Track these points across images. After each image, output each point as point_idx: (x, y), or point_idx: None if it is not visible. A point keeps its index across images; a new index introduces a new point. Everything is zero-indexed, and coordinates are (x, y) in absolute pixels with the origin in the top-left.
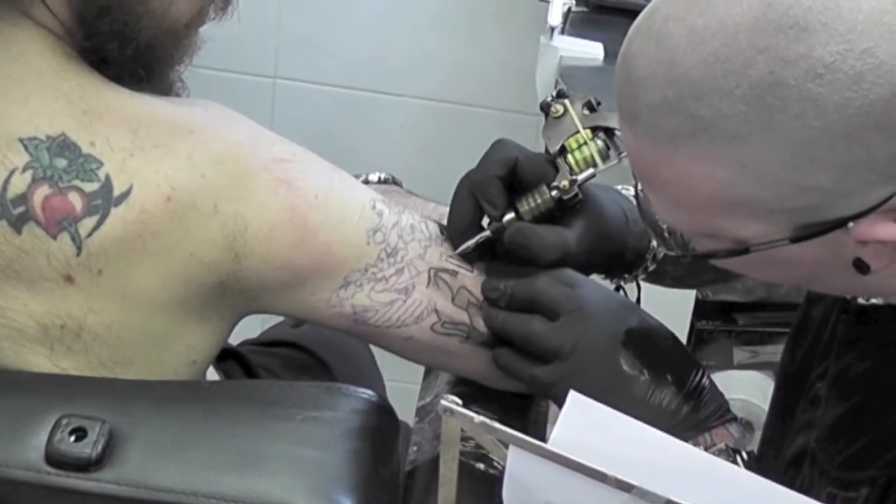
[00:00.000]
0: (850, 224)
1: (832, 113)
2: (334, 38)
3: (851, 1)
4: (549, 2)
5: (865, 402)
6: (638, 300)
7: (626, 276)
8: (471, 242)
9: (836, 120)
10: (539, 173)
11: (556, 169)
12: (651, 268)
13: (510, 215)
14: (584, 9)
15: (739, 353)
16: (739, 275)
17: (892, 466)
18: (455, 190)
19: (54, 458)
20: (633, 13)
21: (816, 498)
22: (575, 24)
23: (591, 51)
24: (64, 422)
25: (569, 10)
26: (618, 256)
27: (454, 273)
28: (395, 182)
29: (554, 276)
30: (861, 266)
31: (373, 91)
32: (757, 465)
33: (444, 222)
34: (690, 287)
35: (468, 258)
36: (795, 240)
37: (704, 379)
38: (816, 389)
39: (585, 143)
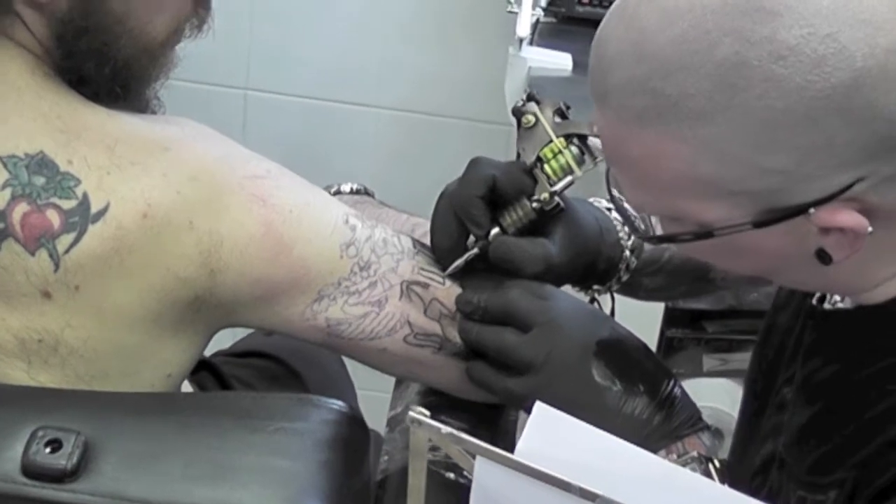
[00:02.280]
0: (811, 210)
1: (794, 94)
2: (305, 49)
3: None
4: (517, 13)
5: (833, 405)
6: (612, 312)
7: (600, 287)
8: (460, 262)
9: (798, 101)
10: (518, 186)
11: (534, 180)
12: (624, 278)
13: (494, 230)
14: (553, 20)
15: (709, 361)
16: (712, 289)
17: (861, 468)
18: (434, 210)
19: (30, 470)
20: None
21: (785, 502)
22: (543, 35)
23: (559, 61)
24: (40, 433)
25: (537, 21)
26: (591, 266)
27: (426, 286)
28: (367, 193)
29: (526, 289)
30: (823, 256)
31: (343, 102)
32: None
33: (416, 234)
34: (663, 300)
35: (456, 276)
36: (758, 224)
37: (676, 388)
38: (783, 395)
39: (560, 151)
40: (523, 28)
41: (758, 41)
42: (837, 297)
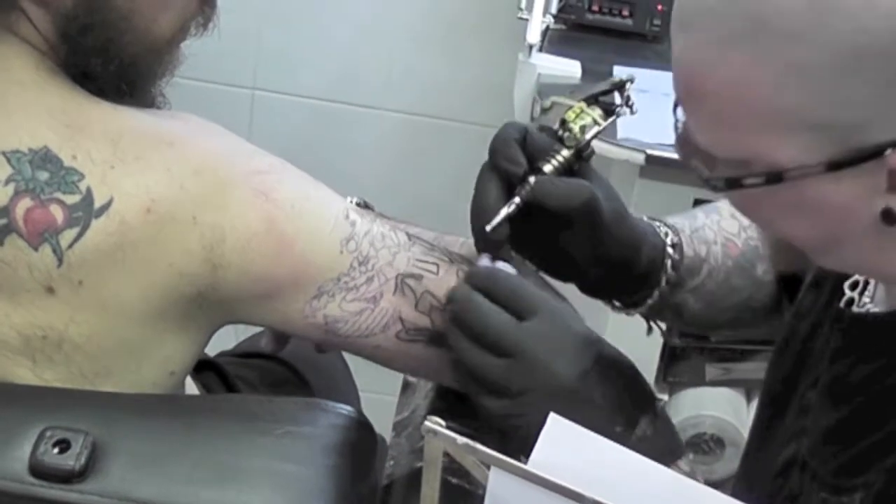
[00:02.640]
0: (888, 152)
1: (884, 20)
2: (313, 50)
3: None
4: (528, 19)
5: (864, 408)
6: (665, 335)
7: (651, 299)
8: (501, 214)
9: (888, 27)
10: (549, 142)
11: (562, 141)
12: (672, 277)
13: (533, 178)
14: (563, 27)
15: (711, 370)
16: (755, 319)
17: (890, 472)
18: (477, 176)
19: (38, 470)
20: (610, 31)
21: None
22: (553, 42)
23: (568, 68)
24: (48, 434)
25: (547, 27)
26: (633, 260)
27: (419, 277)
28: (366, 206)
29: (506, 303)
30: (890, 216)
31: (350, 104)
32: (738, 480)
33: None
34: (708, 326)
35: (500, 233)
36: (831, 167)
37: (658, 416)
38: (808, 399)
39: (583, 111)
40: (533, 34)
41: None
42: (867, 299)
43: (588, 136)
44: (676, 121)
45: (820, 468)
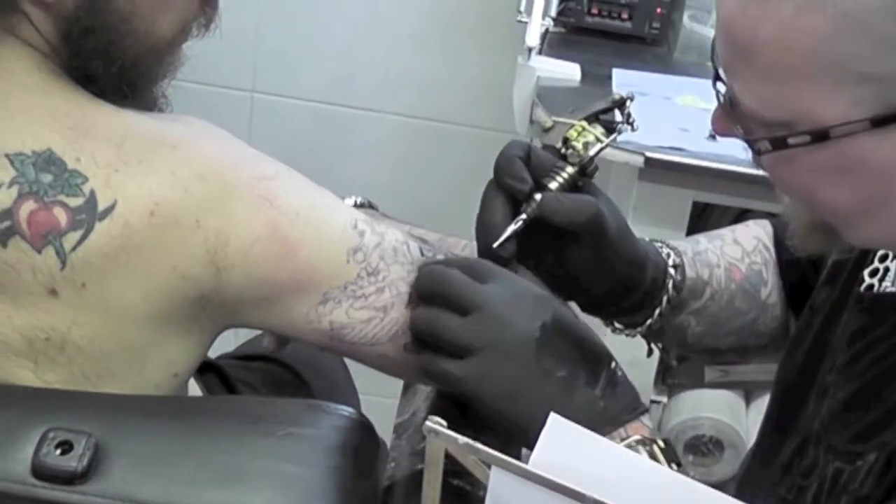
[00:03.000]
0: None
1: None
2: (312, 53)
3: None
4: (527, 22)
5: (880, 378)
6: (667, 366)
7: (651, 318)
8: (508, 231)
9: None
10: (553, 160)
11: (566, 159)
12: (672, 295)
13: (539, 195)
14: (562, 30)
15: (710, 373)
16: (760, 342)
17: None
18: (482, 194)
19: (41, 471)
20: (609, 34)
21: (820, 476)
22: (552, 45)
23: (568, 71)
24: (51, 435)
25: (546, 30)
26: (634, 280)
27: None
28: (371, 206)
29: (466, 269)
30: None
31: (350, 106)
32: (740, 482)
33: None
34: (711, 351)
35: (507, 250)
36: (876, 123)
37: (618, 372)
38: (827, 382)
39: (585, 128)
40: (532, 37)
41: None
42: (888, 283)
43: (591, 152)
44: (717, 92)
45: (835, 440)
